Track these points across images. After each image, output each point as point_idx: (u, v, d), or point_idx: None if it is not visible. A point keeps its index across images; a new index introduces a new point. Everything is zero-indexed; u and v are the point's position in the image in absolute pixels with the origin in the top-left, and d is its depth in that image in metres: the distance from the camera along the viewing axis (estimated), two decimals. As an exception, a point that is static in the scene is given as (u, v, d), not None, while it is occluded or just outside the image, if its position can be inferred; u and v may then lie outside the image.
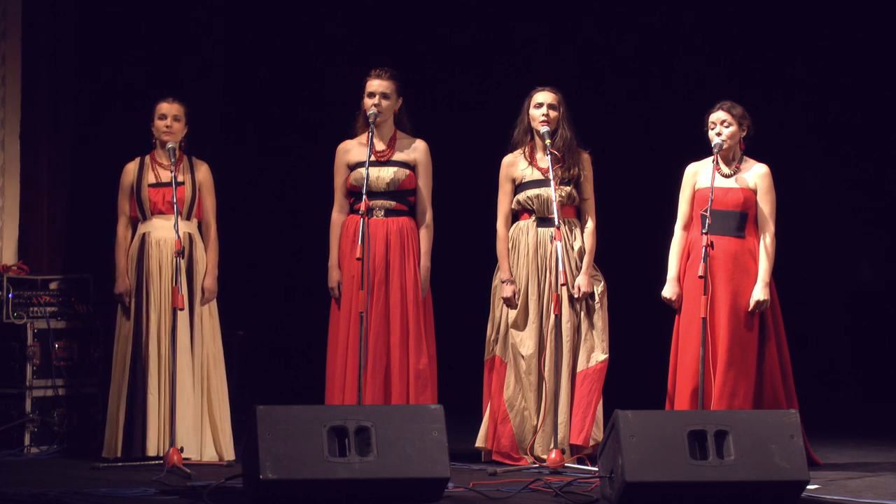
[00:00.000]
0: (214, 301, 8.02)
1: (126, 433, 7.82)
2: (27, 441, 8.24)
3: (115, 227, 8.05)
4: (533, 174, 7.96)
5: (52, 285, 8.51)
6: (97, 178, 9.27)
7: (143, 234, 7.96)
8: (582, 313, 7.92)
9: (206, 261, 8.01)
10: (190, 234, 7.97)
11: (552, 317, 7.78)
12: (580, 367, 7.88)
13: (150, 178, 7.99)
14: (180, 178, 7.93)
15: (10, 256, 8.84)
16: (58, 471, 7.54)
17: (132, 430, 7.81)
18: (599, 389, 7.87)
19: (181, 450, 7.56)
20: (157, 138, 8.00)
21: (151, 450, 7.76)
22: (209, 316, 7.99)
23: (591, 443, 7.77)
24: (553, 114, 7.93)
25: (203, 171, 8.07)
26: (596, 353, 7.89)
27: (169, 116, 7.98)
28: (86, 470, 7.52)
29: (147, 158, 8.06)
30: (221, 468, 7.63)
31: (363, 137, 7.95)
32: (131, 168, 8.05)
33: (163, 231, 7.91)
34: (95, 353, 8.52)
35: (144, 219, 7.99)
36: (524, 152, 8.01)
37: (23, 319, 8.32)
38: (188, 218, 7.97)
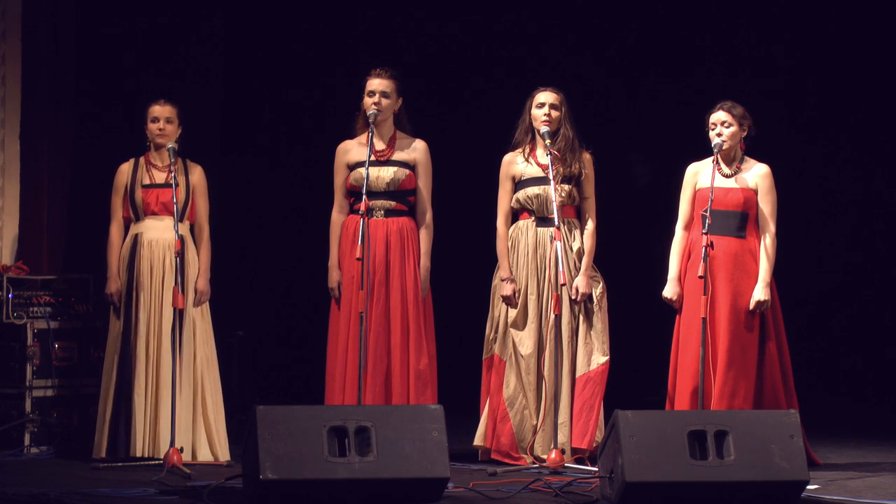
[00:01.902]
0: (207, 303, 8.01)
1: (111, 434, 7.81)
2: (27, 441, 8.23)
3: (108, 227, 8.04)
4: (532, 170, 7.95)
5: (52, 285, 8.51)
6: (97, 179, 9.25)
7: (136, 235, 7.96)
8: (581, 315, 7.91)
9: (198, 263, 8.01)
10: (182, 236, 7.96)
11: (552, 317, 7.78)
12: (581, 370, 7.87)
13: (144, 179, 7.98)
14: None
15: (10, 256, 8.84)
16: (58, 471, 7.54)
17: (116, 431, 7.80)
18: (602, 392, 7.86)
19: (181, 450, 7.56)
20: (151, 140, 8.00)
21: (137, 451, 7.75)
22: (201, 318, 7.98)
23: (595, 445, 7.76)
24: (555, 114, 7.93)
25: (197, 174, 8.06)
26: (596, 356, 7.88)
27: (161, 119, 7.98)
28: (86, 470, 7.52)
29: (141, 160, 8.05)
30: (221, 468, 7.63)
31: (363, 137, 7.95)
32: (125, 169, 8.05)
33: (155, 232, 7.90)
34: (95, 353, 8.51)
35: (137, 219, 7.98)
36: (524, 151, 8.01)
37: (23, 319, 8.31)
38: (181, 220, 7.96)
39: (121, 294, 7.92)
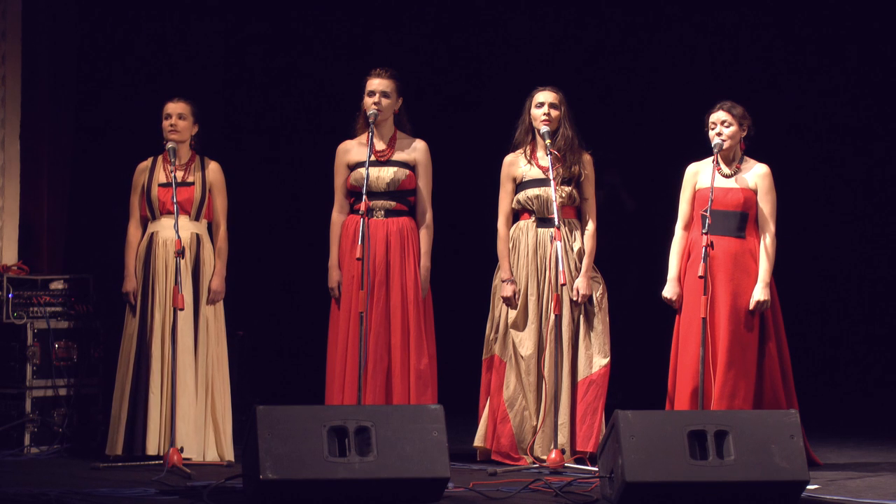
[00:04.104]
0: (221, 303, 8.02)
1: (128, 431, 7.82)
2: (27, 441, 8.24)
3: (127, 225, 8.06)
4: (533, 172, 7.95)
5: (52, 285, 8.51)
6: (97, 178, 9.27)
7: (152, 234, 7.98)
8: (581, 317, 7.90)
9: (213, 262, 8.01)
10: (198, 235, 7.97)
11: (552, 317, 7.78)
12: (583, 373, 7.86)
13: (161, 177, 8.00)
14: (190, 179, 7.96)
15: (10, 256, 8.84)
16: (58, 471, 7.54)
17: (134, 429, 7.81)
18: (604, 394, 7.86)
19: (181, 450, 7.56)
20: (165, 138, 8.01)
21: (152, 449, 7.77)
22: (214, 317, 7.99)
23: (600, 448, 7.76)
24: (554, 113, 7.93)
25: (214, 171, 8.07)
26: (597, 358, 7.87)
27: (173, 115, 7.99)
28: (86, 470, 7.52)
29: (159, 158, 8.07)
30: (221, 468, 7.63)
31: (363, 137, 7.95)
32: (143, 167, 8.07)
33: (170, 231, 7.89)
34: (95, 353, 8.52)
35: (153, 218, 8.00)
36: (525, 152, 8.01)
37: (23, 319, 8.32)
38: (197, 218, 7.98)
39: (137, 292, 7.93)
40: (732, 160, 7.86)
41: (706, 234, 7.56)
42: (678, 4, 10.62)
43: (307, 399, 9.06)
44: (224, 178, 8.09)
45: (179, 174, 7.94)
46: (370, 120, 7.86)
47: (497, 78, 10.62)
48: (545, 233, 7.92)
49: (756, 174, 7.84)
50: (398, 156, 7.98)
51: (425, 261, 7.98)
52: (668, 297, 7.86)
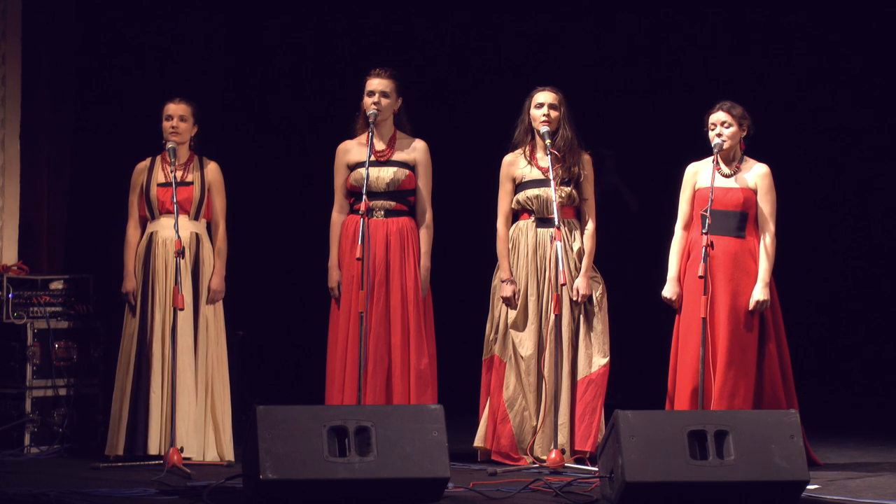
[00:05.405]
0: (220, 302, 8.02)
1: (129, 431, 7.83)
2: (27, 441, 8.24)
3: (126, 225, 8.06)
4: (533, 173, 7.95)
5: (52, 285, 8.51)
6: (97, 178, 9.27)
7: (151, 234, 7.98)
8: (581, 317, 7.91)
9: (213, 261, 8.01)
10: (197, 234, 7.97)
11: (552, 317, 7.78)
12: (582, 372, 7.86)
13: (160, 177, 8.00)
14: (189, 178, 7.96)
15: (10, 256, 8.84)
16: (58, 471, 7.54)
17: (135, 429, 7.81)
18: (603, 394, 7.86)
19: (181, 450, 7.56)
20: (166, 139, 8.00)
21: (153, 448, 7.77)
22: (214, 317, 7.99)
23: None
24: (554, 114, 7.93)
25: (213, 171, 8.07)
26: (597, 358, 7.87)
27: (175, 117, 7.99)
28: (86, 470, 7.52)
29: (158, 158, 8.07)
30: (221, 468, 7.63)
31: (363, 137, 7.95)
32: (142, 167, 8.07)
33: (170, 230, 7.89)
34: (95, 353, 8.52)
35: (153, 218, 8.00)
36: (524, 152, 8.01)
37: (23, 319, 8.32)
38: (196, 218, 7.99)
39: (137, 292, 7.93)
40: (732, 160, 7.86)
41: (706, 233, 7.56)
42: (677, 4, 10.62)
43: (307, 399, 9.06)
44: (223, 178, 8.10)
45: (178, 174, 7.95)
46: (370, 120, 7.87)
47: (497, 78, 10.62)
48: (545, 233, 7.92)
49: (756, 174, 7.84)
50: (398, 156, 7.98)
51: (425, 261, 7.99)
52: (668, 297, 7.86)
